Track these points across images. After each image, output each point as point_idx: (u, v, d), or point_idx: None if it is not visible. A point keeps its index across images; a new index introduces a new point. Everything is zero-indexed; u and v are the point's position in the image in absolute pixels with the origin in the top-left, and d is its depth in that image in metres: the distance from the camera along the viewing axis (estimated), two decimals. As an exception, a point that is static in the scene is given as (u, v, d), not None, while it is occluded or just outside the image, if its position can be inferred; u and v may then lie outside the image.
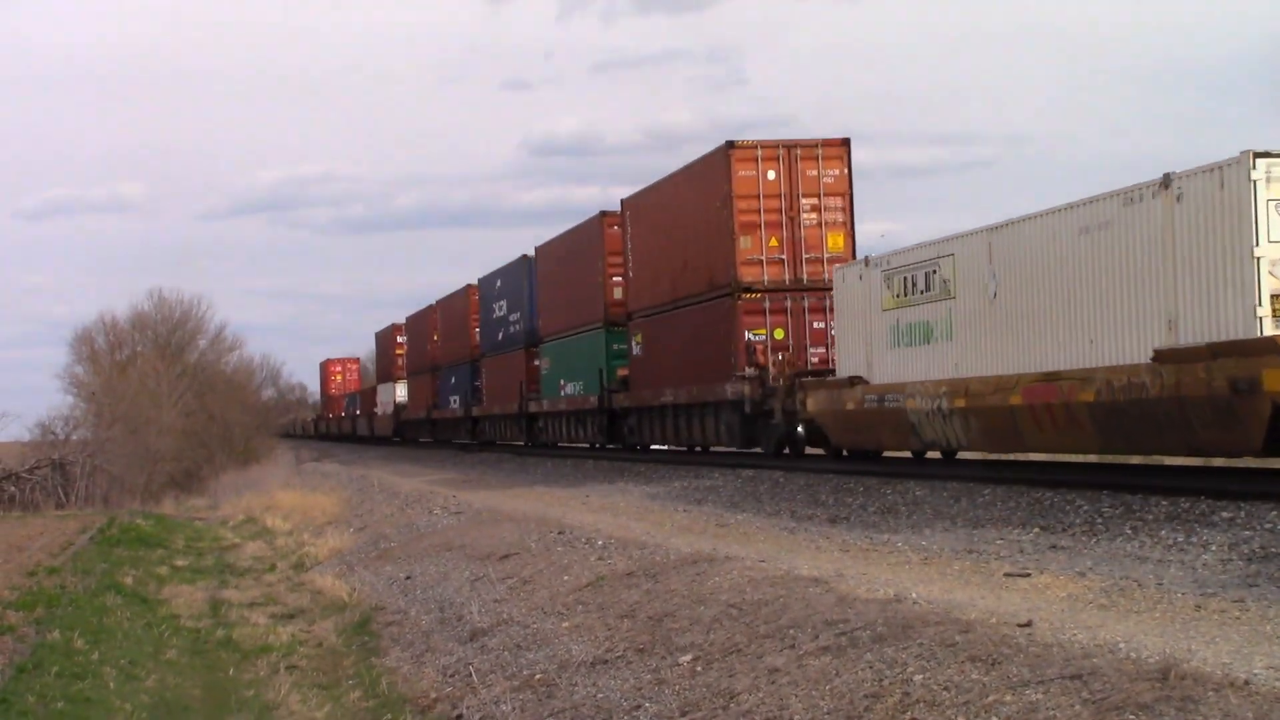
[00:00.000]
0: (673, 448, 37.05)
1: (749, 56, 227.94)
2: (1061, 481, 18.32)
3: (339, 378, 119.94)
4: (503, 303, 51.76)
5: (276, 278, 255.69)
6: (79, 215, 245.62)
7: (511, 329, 50.39)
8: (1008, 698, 8.27)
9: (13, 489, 52.57)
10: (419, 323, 71.80)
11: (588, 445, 43.68)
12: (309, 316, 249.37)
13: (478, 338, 56.49)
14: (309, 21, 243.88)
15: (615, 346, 39.68)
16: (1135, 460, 21.03)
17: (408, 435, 77.20)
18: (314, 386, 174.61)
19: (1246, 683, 7.56)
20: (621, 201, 38.61)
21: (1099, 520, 15.52)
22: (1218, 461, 20.01)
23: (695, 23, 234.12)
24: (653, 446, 38.25)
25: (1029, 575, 13.00)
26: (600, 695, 11.91)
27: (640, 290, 37.28)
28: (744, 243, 30.32)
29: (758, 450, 30.07)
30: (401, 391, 78.20)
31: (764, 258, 30.29)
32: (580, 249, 42.38)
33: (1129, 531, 14.64)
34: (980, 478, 19.96)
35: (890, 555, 15.32)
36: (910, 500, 19.44)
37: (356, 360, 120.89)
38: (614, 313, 39.45)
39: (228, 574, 26.99)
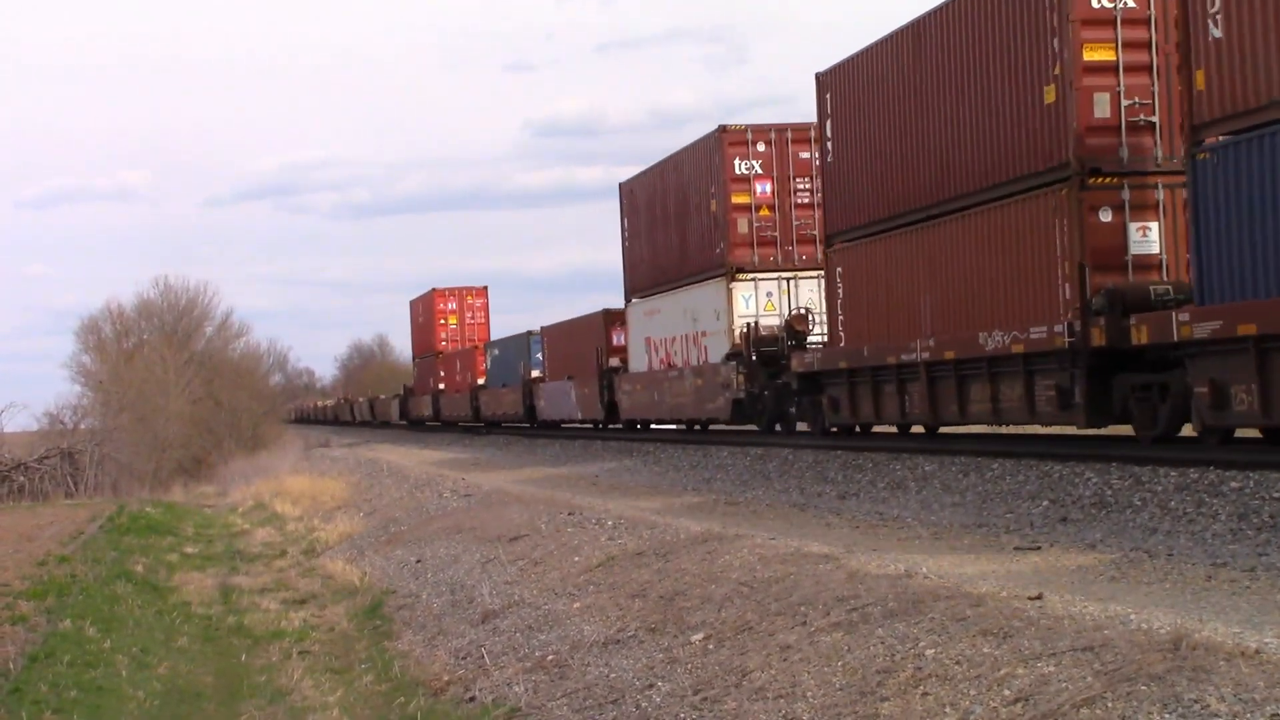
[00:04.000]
0: None
1: (750, 35, 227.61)
2: (1070, 454, 18.26)
3: (451, 321, 69.43)
4: None
5: (282, 263, 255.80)
6: (82, 204, 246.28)
7: None
8: (1020, 670, 8.27)
9: (22, 478, 52.75)
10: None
11: None
12: (315, 301, 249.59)
13: None
14: (308, 5, 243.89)
15: None
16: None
17: (848, 417, 24.72)
18: (323, 371, 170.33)
19: (1258, 651, 7.55)
20: None
21: (1108, 492, 15.47)
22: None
23: (697, 1, 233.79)
24: None
25: (1039, 548, 13.02)
26: (613, 675, 11.92)
27: None
28: None
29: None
30: (775, 294, 29.87)
31: None
32: None
33: (1138, 503, 14.61)
34: (989, 452, 19.91)
35: (900, 530, 15.34)
36: (919, 475, 19.40)
37: (484, 290, 71.88)
38: None
39: (238, 560, 27.04)
